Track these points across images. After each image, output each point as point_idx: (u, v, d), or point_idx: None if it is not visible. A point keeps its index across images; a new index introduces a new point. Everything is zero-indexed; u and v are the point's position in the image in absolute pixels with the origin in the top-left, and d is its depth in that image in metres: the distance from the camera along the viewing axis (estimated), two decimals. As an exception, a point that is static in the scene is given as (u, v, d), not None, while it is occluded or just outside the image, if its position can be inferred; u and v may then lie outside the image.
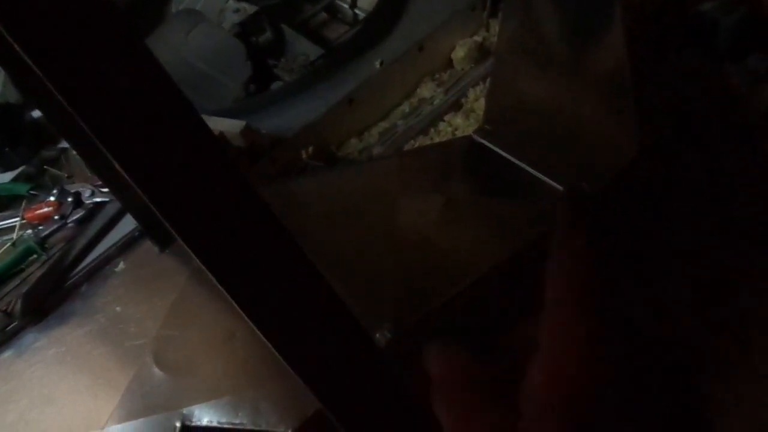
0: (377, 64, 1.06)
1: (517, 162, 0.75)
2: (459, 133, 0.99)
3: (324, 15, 1.28)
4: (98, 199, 0.99)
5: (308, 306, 0.32)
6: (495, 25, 1.08)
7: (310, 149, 1.02)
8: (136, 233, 0.89)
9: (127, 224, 0.90)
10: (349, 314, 0.33)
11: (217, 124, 0.99)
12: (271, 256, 0.32)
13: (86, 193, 1.00)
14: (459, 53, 1.07)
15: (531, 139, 0.78)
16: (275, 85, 1.13)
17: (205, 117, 1.06)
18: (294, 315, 0.31)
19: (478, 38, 1.08)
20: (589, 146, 0.76)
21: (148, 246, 0.87)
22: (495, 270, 0.68)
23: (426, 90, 1.07)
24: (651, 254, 1.01)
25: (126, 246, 0.89)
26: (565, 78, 0.84)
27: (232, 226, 0.30)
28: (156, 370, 0.72)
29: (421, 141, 1.01)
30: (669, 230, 1.03)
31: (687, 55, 0.94)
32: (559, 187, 0.71)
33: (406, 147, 1.00)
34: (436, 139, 1.00)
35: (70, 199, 0.99)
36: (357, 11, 1.23)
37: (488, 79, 0.98)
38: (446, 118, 1.02)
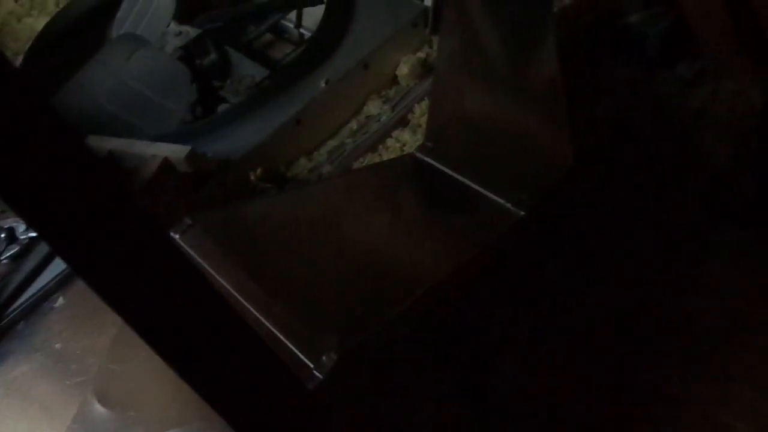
0: (323, 83, 1.06)
1: (458, 177, 0.76)
2: (407, 149, 0.99)
3: (269, 35, 1.28)
4: (33, 234, 0.95)
5: (224, 345, 0.31)
6: (437, 41, 1.10)
7: (259, 171, 1.01)
8: (77, 266, 0.86)
9: (67, 257, 0.88)
10: (271, 354, 0.32)
11: (161, 149, 0.97)
12: (182, 298, 0.31)
13: (20, 228, 0.95)
14: (403, 69, 1.08)
15: (471, 153, 0.79)
16: (221, 108, 1.12)
17: (148, 143, 1.04)
18: (209, 355, 0.30)
19: (421, 54, 1.10)
20: (527, 157, 0.77)
21: (89, 279, 0.84)
22: (440, 284, 0.69)
23: (373, 107, 1.08)
24: (596, 257, 1.03)
25: (64, 281, 0.86)
26: (502, 92, 0.86)
27: (134, 262, 0.29)
28: (99, 407, 0.69)
29: (370, 158, 1.01)
30: (612, 232, 1.05)
31: (620, 64, 0.98)
32: (500, 200, 0.72)
33: (356, 164, 1.01)
34: (385, 156, 1.01)
35: (2, 235, 0.95)
36: (303, 30, 1.24)
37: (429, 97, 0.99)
38: (394, 134, 1.03)
